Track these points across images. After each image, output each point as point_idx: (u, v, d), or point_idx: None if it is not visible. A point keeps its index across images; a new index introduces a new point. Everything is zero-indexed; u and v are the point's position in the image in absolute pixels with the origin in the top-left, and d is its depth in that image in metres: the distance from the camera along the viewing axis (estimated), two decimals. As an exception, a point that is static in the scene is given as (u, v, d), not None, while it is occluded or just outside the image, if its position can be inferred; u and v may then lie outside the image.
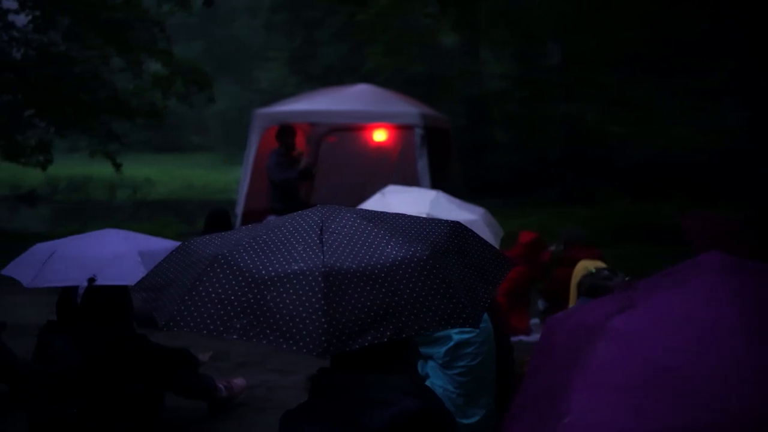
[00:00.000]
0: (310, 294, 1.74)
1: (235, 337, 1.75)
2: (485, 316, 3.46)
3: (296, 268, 1.81)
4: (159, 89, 16.47)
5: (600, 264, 4.24)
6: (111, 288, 3.86)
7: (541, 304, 6.80)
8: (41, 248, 4.12)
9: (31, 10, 15.77)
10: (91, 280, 3.75)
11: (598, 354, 1.52)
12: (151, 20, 15.96)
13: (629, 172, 17.00)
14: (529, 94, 18.60)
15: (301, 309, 1.72)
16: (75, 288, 3.85)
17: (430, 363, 3.36)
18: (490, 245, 2.24)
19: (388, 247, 1.90)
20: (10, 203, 20.38)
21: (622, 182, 17.02)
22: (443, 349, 3.29)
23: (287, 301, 1.75)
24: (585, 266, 4.18)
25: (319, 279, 1.76)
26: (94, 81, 16.02)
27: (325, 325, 1.69)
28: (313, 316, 1.70)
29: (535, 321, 6.62)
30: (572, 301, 4.15)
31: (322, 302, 1.72)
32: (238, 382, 4.83)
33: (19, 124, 16.06)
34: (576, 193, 16.86)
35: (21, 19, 16.39)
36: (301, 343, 1.69)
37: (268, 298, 1.76)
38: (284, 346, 1.70)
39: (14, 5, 15.85)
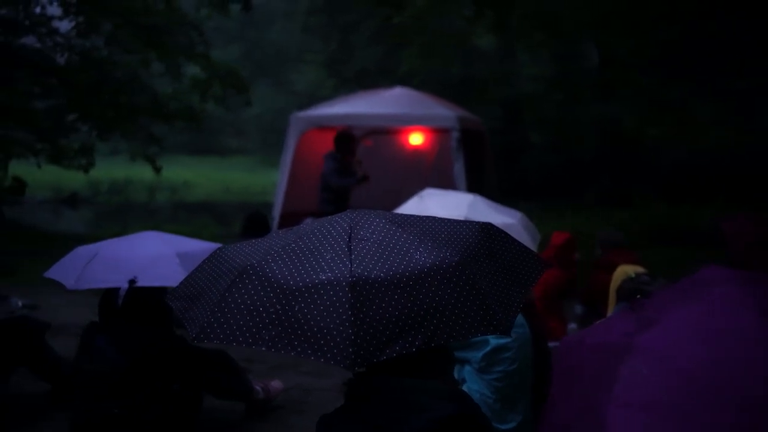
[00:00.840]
0: (338, 305, 1.73)
1: (263, 348, 1.75)
2: (522, 320, 3.44)
3: (324, 278, 1.80)
4: (197, 93, 16.69)
5: (639, 269, 4.19)
6: (151, 289, 3.92)
7: (578, 309, 6.72)
8: (82, 251, 4.20)
9: (75, 16, 16.12)
10: (132, 281, 3.81)
11: (627, 373, 1.51)
12: (189, 25, 16.19)
13: (667, 175, 16.75)
14: (564, 95, 18.43)
15: (328, 320, 1.72)
16: (116, 289, 3.92)
17: (467, 367, 3.35)
18: (523, 246, 2.19)
19: (416, 254, 1.87)
20: (54, 205, 20.81)
21: (660, 185, 16.78)
22: (480, 354, 3.27)
23: (315, 312, 1.74)
24: (624, 271, 4.13)
25: (347, 289, 1.75)
26: (135, 85, 16.32)
27: (353, 337, 1.68)
28: (341, 327, 1.70)
29: (572, 326, 6.55)
30: (611, 306, 4.10)
31: (349, 313, 1.71)
32: (275, 384, 4.86)
33: (63, 128, 16.42)
34: (613, 195, 16.65)
35: (64, 25, 16.75)
36: (328, 355, 1.68)
37: (296, 309, 1.76)
38: (312, 358, 1.70)
39: (58, 11, 16.21)
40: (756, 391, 1.40)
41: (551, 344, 4.83)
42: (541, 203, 15.72)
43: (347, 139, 8.30)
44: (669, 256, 9.74)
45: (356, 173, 8.14)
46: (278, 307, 1.78)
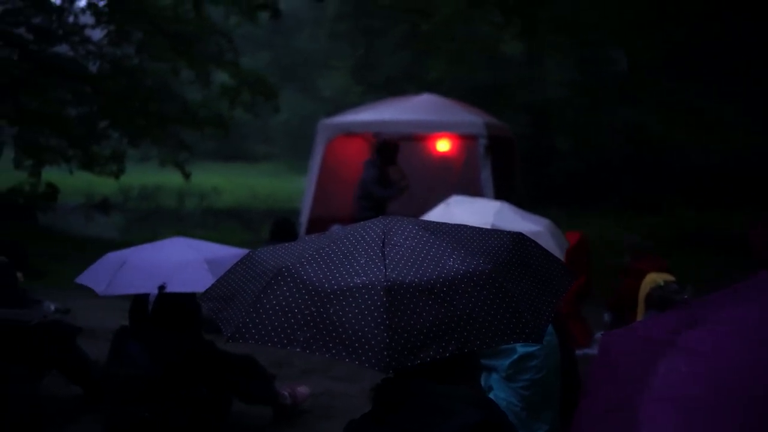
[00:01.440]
0: (372, 308, 1.74)
1: (298, 349, 1.77)
2: (550, 329, 3.42)
3: (359, 281, 1.81)
4: (226, 100, 16.87)
5: (668, 277, 4.15)
6: (180, 295, 3.97)
7: (606, 317, 6.66)
8: (112, 257, 4.27)
9: (106, 24, 16.38)
10: (161, 287, 3.87)
11: (666, 370, 1.50)
12: (219, 33, 16.37)
13: (695, 179, 16.55)
14: (591, 101, 18.29)
15: (363, 323, 1.73)
16: (147, 295, 3.98)
17: (494, 375, 3.34)
18: (553, 256, 2.20)
19: (450, 260, 1.88)
20: (85, 211, 21.10)
21: (688, 190, 16.57)
22: (507, 362, 3.26)
23: (350, 314, 1.76)
24: (653, 279, 4.10)
25: (381, 293, 1.76)
26: (165, 93, 16.53)
27: (387, 340, 1.69)
28: (375, 331, 1.71)
29: (600, 335, 6.49)
30: (640, 314, 4.07)
31: (384, 316, 1.72)
32: (302, 389, 4.89)
33: (94, 135, 16.67)
34: (640, 201, 16.49)
35: (97, 34, 17.03)
36: (363, 358, 1.69)
37: (331, 311, 1.78)
38: (347, 360, 1.71)
39: (91, 20, 16.49)
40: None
41: (578, 352, 4.80)
42: (568, 209, 15.62)
43: (390, 147, 8.31)
44: (698, 262, 9.63)
45: (396, 182, 8.15)
46: (313, 309, 1.80)
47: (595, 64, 19.78)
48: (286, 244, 2.15)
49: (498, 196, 7.99)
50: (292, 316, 1.81)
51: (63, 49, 16.73)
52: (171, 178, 21.53)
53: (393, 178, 8.29)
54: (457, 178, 9.54)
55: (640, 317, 4.00)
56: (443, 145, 10.24)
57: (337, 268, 1.88)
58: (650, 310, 3.79)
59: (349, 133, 9.96)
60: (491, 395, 3.30)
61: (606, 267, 8.66)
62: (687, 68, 14.28)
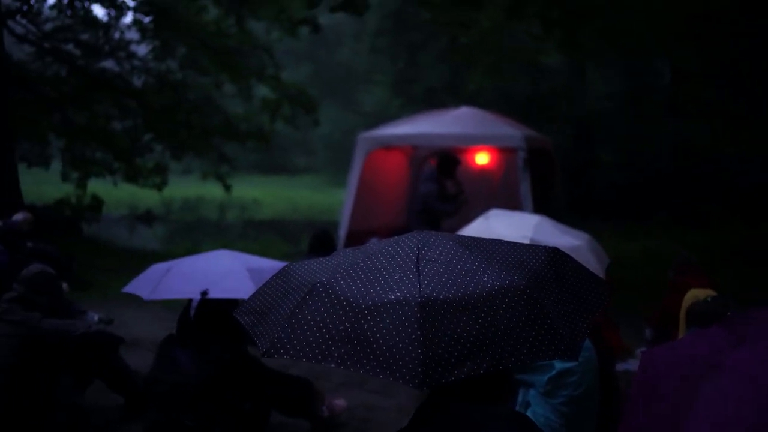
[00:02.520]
0: (407, 324, 1.74)
1: (332, 365, 1.77)
2: (588, 344, 3.38)
3: (393, 297, 1.81)
4: (267, 113, 17.07)
5: (711, 292, 4.07)
6: (222, 301, 4.03)
7: (648, 333, 6.54)
8: (158, 267, 4.37)
9: (152, 40, 16.75)
10: (204, 293, 3.93)
11: (713, 391, 1.46)
12: (261, 47, 16.59)
13: (744, 193, 16.18)
14: (636, 112, 18.05)
15: (397, 339, 1.73)
16: (191, 301, 4.05)
17: (532, 391, 3.30)
18: (588, 271, 2.17)
19: (484, 276, 1.87)
20: (129, 223, 21.49)
21: (737, 204, 16.21)
22: (545, 378, 3.23)
23: (384, 330, 1.75)
24: (695, 294, 4.02)
25: (416, 309, 1.75)
26: (208, 106, 16.81)
27: (422, 356, 1.68)
28: (410, 347, 1.70)
29: (642, 350, 6.37)
30: (681, 330, 3.99)
31: (419, 332, 1.71)
32: (339, 402, 4.89)
33: (139, 148, 17.01)
34: (686, 215, 16.18)
35: (142, 49, 17.42)
36: (398, 374, 1.68)
37: (365, 327, 1.78)
38: (381, 376, 1.70)
39: (136, 36, 16.87)
40: None
41: (618, 367, 4.72)
42: (612, 223, 15.41)
43: (451, 162, 8.32)
44: (746, 278, 9.40)
45: (455, 196, 8.15)
46: (347, 324, 1.80)
47: (639, 75, 19.55)
48: (321, 259, 2.15)
49: (537, 209, 7.92)
50: (326, 331, 1.81)
51: (109, 64, 17.15)
52: (212, 190, 21.85)
53: (451, 191, 8.28)
54: (496, 191, 9.50)
55: (681, 333, 3.93)
56: (482, 158, 10.20)
57: (371, 284, 1.88)
58: (692, 327, 3.71)
59: (388, 146, 10.00)
60: (529, 411, 3.27)
61: (650, 282, 8.52)
62: (735, 79, 14.01)
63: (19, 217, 6.82)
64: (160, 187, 17.06)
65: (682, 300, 4.22)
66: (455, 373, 1.70)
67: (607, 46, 14.24)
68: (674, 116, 16.45)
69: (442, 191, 8.11)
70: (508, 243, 2.12)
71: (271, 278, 2.18)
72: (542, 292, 1.90)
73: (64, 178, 16.41)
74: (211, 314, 4.07)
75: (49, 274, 4.20)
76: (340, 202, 11.39)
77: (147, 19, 16.49)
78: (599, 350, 3.52)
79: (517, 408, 3.32)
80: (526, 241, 3.88)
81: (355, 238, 8.86)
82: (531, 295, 1.86)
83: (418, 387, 1.66)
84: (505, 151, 9.82)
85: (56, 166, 17.10)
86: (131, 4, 16.25)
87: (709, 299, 3.88)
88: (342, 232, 9.61)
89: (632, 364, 5.97)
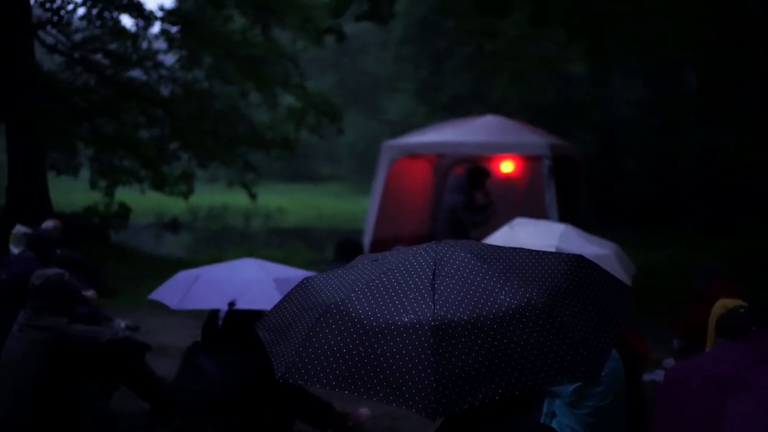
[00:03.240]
0: (420, 349, 1.70)
1: (346, 392, 1.75)
2: (615, 354, 3.34)
3: (406, 320, 1.77)
4: (292, 122, 17.17)
5: (741, 302, 4.00)
6: (249, 312, 4.04)
7: (676, 344, 6.45)
8: (185, 275, 4.40)
9: (178, 49, 16.94)
10: (231, 304, 3.95)
11: (738, 409, 1.44)
12: (286, 56, 16.71)
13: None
14: (662, 120, 17.87)
15: (410, 365, 1.69)
16: (218, 310, 4.07)
17: (557, 401, 3.28)
18: (614, 279, 2.08)
19: (501, 294, 1.81)
20: (155, 230, 21.70)
21: (765, 212, 15.96)
22: (570, 388, 3.20)
23: (396, 355, 1.72)
24: (724, 305, 3.95)
25: (429, 333, 1.71)
26: (234, 115, 16.95)
27: (434, 384, 1.64)
28: (422, 374, 1.66)
29: (669, 361, 6.29)
30: (709, 341, 3.93)
31: (431, 359, 1.67)
32: (364, 411, 4.88)
33: (165, 156, 17.19)
34: (714, 224, 15.96)
35: (169, 59, 17.63)
36: (410, 402, 1.65)
37: (378, 351, 1.74)
38: (394, 405, 1.68)
39: (164, 46, 17.08)
40: None
41: (645, 377, 4.66)
42: (638, 232, 15.26)
43: (481, 174, 8.31)
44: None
45: (484, 207, 8.14)
46: (361, 348, 1.77)
47: (665, 82, 19.38)
48: (340, 272, 2.13)
49: (562, 217, 7.87)
50: (340, 356, 1.79)
51: (137, 73, 17.37)
52: (238, 198, 21.99)
53: (480, 202, 8.26)
54: (521, 200, 9.46)
55: (710, 344, 3.87)
56: (507, 167, 10.16)
57: (386, 304, 1.85)
58: (720, 338, 3.65)
59: (413, 154, 9.99)
60: (555, 422, 3.24)
61: (678, 291, 8.42)
62: (763, 86, 13.83)
63: (48, 224, 6.91)
64: (186, 195, 17.22)
65: (710, 310, 4.16)
66: (468, 400, 1.66)
67: (632, 54, 14.14)
68: (701, 124, 16.27)
69: (470, 202, 8.08)
70: (530, 251, 2.05)
71: (291, 291, 2.16)
72: (563, 309, 1.83)
73: (93, 186, 16.62)
74: (237, 324, 4.09)
75: (73, 282, 4.23)
76: (365, 211, 11.41)
77: (174, 29, 16.69)
78: (626, 360, 3.48)
79: (543, 419, 3.30)
80: (552, 250, 3.86)
81: (380, 246, 8.86)
82: (550, 314, 1.79)
83: (429, 417, 1.63)
84: (530, 160, 9.77)
85: (84, 174, 17.33)
86: (159, 14, 16.46)
87: (739, 310, 3.82)
88: (366, 240, 9.62)
89: (659, 375, 5.89)
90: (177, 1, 17.90)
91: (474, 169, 8.33)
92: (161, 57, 17.32)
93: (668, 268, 11.56)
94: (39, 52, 15.41)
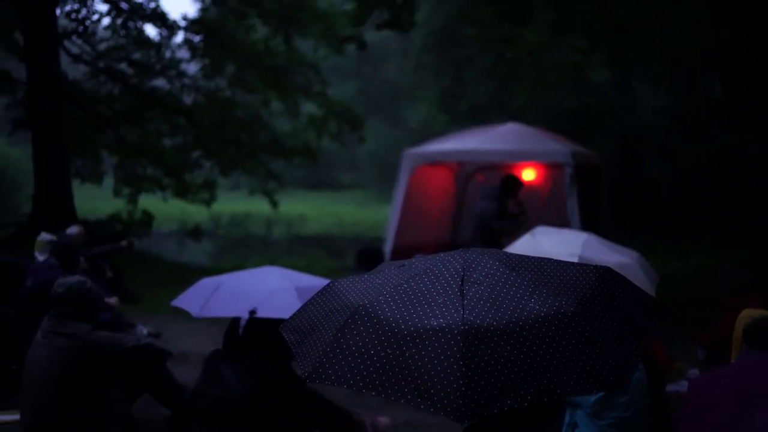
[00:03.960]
0: (449, 353, 1.70)
1: (374, 393, 1.74)
2: (639, 364, 3.30)
3: (435, 324, 1.77)
4: (314, 130, 17.25)
5: (765, 312, 3.94)
6: (270, 320, 4.05)
7: (700, 354, 6.37)
8: (207, 282, 4.42)
9: (201, 59, 17.10)
10: (252, 312, 3.96)
11: (765, 422, 1.42)
12: (308, 64, 16.80)
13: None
14: (685, 127, 17.69)
15: (439, 369, 1.68)
16: (239, 318, 4.09)
17: (579, 412, 3.24)
18: (641, 291, 2.08)
19: (531, 301, 1.81)
20: (178, 237, 21.86)
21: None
22: (592, 398, 3.16)
23: (425, 359, 1.71)
24: (749, 314, 3.90)
25: (458, 338, 1.71)
26: (256, 123, 17.07)
27: (463, 388, 1.64)
28: (451, 378, 1.66)
29: (694, 371, 6.21)
30: (735, 352, 3.87)
31: (461, 363, 1.67)
32: (384, 420, 4.87)
33: (188, 164, 17.34)
34: (739, 232, 15.75)
35: (192, 68, 17.80)
36: (438, 405, 1.65)
37: (407, 354, 1.74)
38: (421, 407, 1.67)
39: (187, 55, 17.25)
40: None
41: (668, 388, 4.60)
42: (661, 240, 15.10)
43: (514, 183, 8.31)
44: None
45: (516, 216, 8.12)
46: (389, 351, 1.77)
47: (688, 89, 19.20)
48: (366, 276, 2.12)
49: (584, 225, 7.82)
50: (368, 357, 1.79)
51: (160, 82, 17.56)
52: (259, 205, 22.09)
53: (512, 211, 8.25)
54: (542, 208, 9.40)
55: (735, 355, 3.81)
56: (528, 174, 10.11)
57: (414, 308, 1.84)
58: (746, 348, 3.60)
59: (434, 162, 9.99)
60: (576, 432, 3.21)
61: (702, 300, 8.32)
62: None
63: (72, 230, 6.99)
64: (208, 203, 17.35)
65: (735, 320, 4.10)
66: (497, 405, 1.66)
67: (655, 60, 14.03)
68: (725, 130, 16.10)
69: (502, 210, 8.07)
70: (557, 262, 2.05)
71: (316, 295, 2.16)
72: (591, 319, 1.82)
73: (116, 193, 16.79)
74: (258, 333, 4.10)
75: (94, 288, 4.27)
76: (386, 218, 11.42)
77: (197, 39, 16.86)
78: (649, 370, 3.44)
79: (564, 429, 3.27)
80: (575, 259, 3.83)
81: (401, 254, 8.85)
82: (579, 323, 1.78)
83: (458, 420, 1.62)
84: (551, 167, 9.73)
85: (108, 181, 17.52)
86: (182, 23, 16.63)
87: (765, 319, 3.76)
88: (387, 248, 9.62)
89: (684, 386, 5.80)
90: (200, 10, 18.08)
91: (507, 178, 8.33)
92: (184, 66, 17.49)
93: (692, 276, 11.42)
94: (64, 61, 15.63)
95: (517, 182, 8.31)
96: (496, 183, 8.30)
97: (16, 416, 4.36)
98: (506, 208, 8.14)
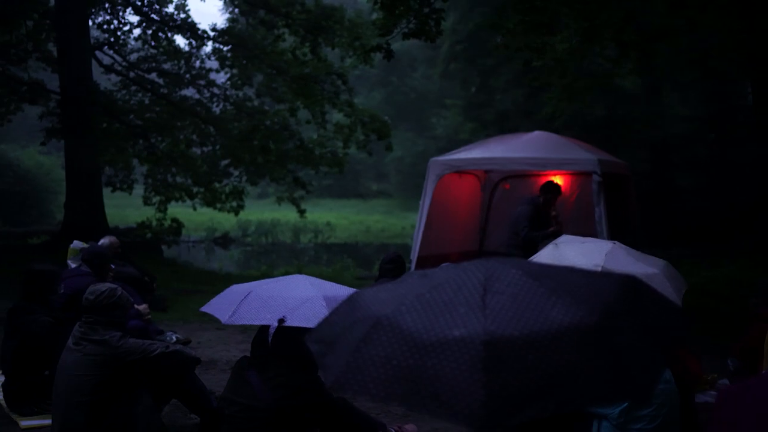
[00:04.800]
0: (470, 363, 1.70)
1: (396, 404, 1.75)
2: (668, 375, 3.26)
3: (457, 334, 1.77)
4: (341, 138, 17.31)
5: (798, 323, 3.90)
6: (298, 329, 4.08)
7: (731, 364, 6.28)
8: (237, 289, 4.45)
9: (230, 68, 17.28)
10: (281, 321, 3.99)
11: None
12: (335, 74, 16.88)
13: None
14: (717, 136, 17.48)
15: (460, 379, 1.68)
16: (268, 327, 4.12)
17: (605, 423, 3.21)
18: (668, 301, 2.06)
19: (553, 311, 1.80)
20: (207, 245, 22.04)
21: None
22: (617, 410, 3.12)
23: (447, 369, 1.72)
24: (780, 325, 3.86)
25: (480, 348, 1.71)
26: (283, 132, 17.18)
27: (485, 398, 1.64)
28: (473, 388, 1.66)
29: (724, 381, 6.13)
30: (766, 362, 3.83)
31: (482, 373, 1.67)
32: (410, 428, 4.87)
33: (217, 173, 17.49)
34: (772, 242, 15.49)
35: (221, 77, 18.00)
36: (459, 416, 1.65)
37: (429, 364, 1.74)
38: (443, 418, 1.67)
39: (216, 65, 17.45)
40: None
41: (699, 398, 4.54)
42: (693, 250, 14.92)
43: (552, 189, 8.31)
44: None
45: (549, 224, 8.11)
46: (411, 362, 1.77)
47: (719, 97, 18.98)
48: (389, 286, 2.13)
49: (612, 235, 7.75)
50: (390, 368, 1.79)
51: (190, 92, 17.79)
52: (287, 214, 22.22)
53: (550, 215, 8.23)
54: (569, 216, 9.34)
55: (766, 366, 3.77)
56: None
57: (436, 318, 1.84)
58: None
59: (460, 170, 9.97)
60: (603, 443, 3.18)
61: (734, 310, 8.21)
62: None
63: (105, 241, 7.09)
64: (236, 211, 17.49)
65: (766, 330, 4.06)
66: (518, 416, 1.65)
67: (685, 69, 13.89)
68: (757, 139, 15.87)
69: (536, 216, 8.06)
70: (581, 272, 2.04)
71: (341, 304, 2.16)
72: (615, 329, 1.81)
73: (146, 202, 17.01)
74: (287, 342, 4.13)
75: (125, 296, 4.32)
76: (412, 226, 11.41)
77: (226, 49, 17.05)
78: (678, 381, 3.39)
79: (591, 439, 3.24)
80: (598, 270, 3.80)
81: (427, 261, 8.85)
82: (602, 333, 1.77)
83: (479, 430, 1.62)
84: (579, 176, 9.66)
85: (138, 190, 17.75)
86: (211, 34, 16.83)
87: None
88: (413, 256, 9.61)
89: (713, 396, 5.73)
90: (229, 21, 18.29)
91: (548, 185, 8.34)
92: (213, 76, 17.70)
93: (724, 286, 11.27)
94: (96, 72, 15.91)
95: (554, 187, 8.30)
96: (531, 191, 8.30)
97: (49, 421, 4.44)
98: (541, 216, 8.11)
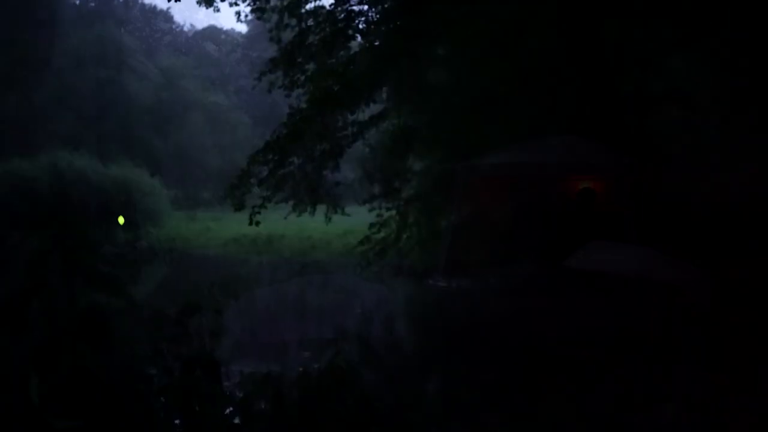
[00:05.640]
0: None
1: None
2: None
3: None
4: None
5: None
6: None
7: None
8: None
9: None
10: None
11: None
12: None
13: None
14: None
15: None
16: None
17: None
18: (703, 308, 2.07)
19: None
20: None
21: None
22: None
23: None
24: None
25: None
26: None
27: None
28: None
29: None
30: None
31: None
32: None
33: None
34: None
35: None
36: None
37: None
38: None
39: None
40: None
41: None
42: (729, 253, 14.62)
43: (588, 195, 8.35)
44: None
45: (582, 228, 8.13)
46: None
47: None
48: None
49: (642, 238, 7.68)
50: None
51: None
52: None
53: (578, 216, 8.26)
54: (599, 220, 9.26)
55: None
56: (585, 186, 9.97)
57: None
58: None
59: (488, 175, 9.92)
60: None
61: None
62: None
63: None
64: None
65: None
66: None
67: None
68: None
69: (570, 219, 8.14)
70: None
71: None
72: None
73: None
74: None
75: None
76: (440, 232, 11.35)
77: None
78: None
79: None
80: (630, 275, 3.77)
81: (455, 266, 8.83)
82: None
83: None
84: (607, 179, 9.57)
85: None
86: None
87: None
88: (442, 261, 9.60)
89: None
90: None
91: (584, 191, 8.41)
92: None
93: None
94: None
95: (590, 195, 8.35)
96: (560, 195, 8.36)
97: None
98: (574, 219, 8.13)
